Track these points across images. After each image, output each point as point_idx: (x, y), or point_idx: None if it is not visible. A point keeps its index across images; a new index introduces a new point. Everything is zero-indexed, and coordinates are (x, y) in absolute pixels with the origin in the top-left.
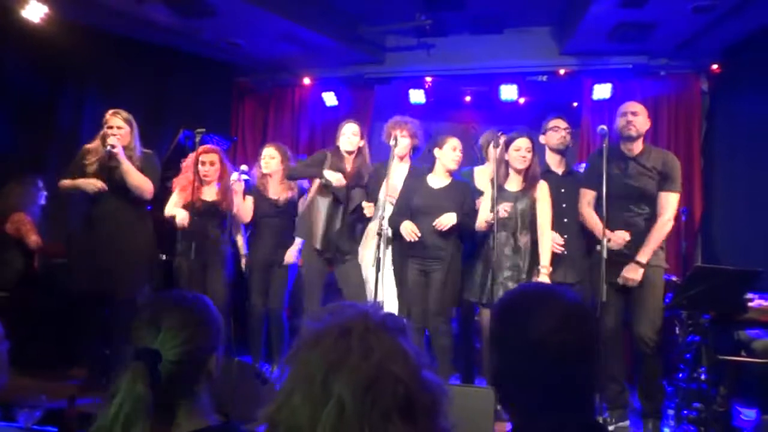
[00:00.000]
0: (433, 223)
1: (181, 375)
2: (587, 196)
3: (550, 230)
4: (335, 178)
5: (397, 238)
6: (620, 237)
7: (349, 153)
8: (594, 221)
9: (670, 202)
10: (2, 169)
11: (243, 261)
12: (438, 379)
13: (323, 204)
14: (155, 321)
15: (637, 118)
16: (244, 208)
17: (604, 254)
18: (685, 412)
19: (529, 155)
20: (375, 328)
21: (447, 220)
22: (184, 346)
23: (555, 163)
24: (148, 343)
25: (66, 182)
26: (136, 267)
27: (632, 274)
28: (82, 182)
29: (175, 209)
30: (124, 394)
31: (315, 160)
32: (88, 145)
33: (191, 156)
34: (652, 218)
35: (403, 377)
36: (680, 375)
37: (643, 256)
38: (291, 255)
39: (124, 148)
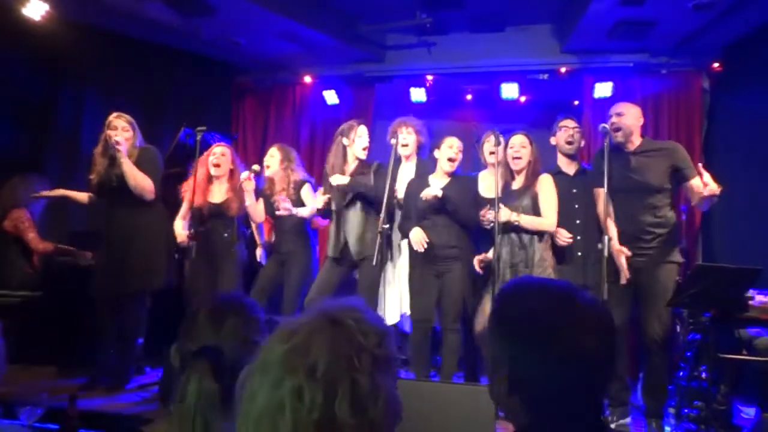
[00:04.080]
0: (421, 194)
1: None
2: (602, 196)
3: (553, 217)
4: (339, 180)
5: (410, 244)
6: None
7: (361, 154)
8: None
9: (697, 186)
10: (1, 168)
11: (258, 250)
12: (389, 384)
13: (335, 216)
14: (216, 320)
15: (622, 118)
16: (256, 209)
17: (605, 253)
18: (686, 410)
19: (523, 150)
20: (346, 323)
21: (429, 192)
22: (244, 345)
23: (565, 164)
24: (207, 341)
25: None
26: (148, 266)
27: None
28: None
29: (177, 224)
30: (196, 393)
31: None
32: (95, 150)
33: (203, 156)
34: (661, 212)
35: (354, 372)
36: (681, 373)
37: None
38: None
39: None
